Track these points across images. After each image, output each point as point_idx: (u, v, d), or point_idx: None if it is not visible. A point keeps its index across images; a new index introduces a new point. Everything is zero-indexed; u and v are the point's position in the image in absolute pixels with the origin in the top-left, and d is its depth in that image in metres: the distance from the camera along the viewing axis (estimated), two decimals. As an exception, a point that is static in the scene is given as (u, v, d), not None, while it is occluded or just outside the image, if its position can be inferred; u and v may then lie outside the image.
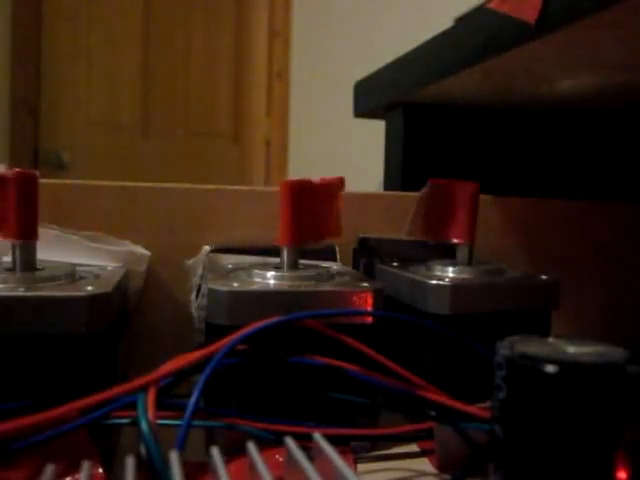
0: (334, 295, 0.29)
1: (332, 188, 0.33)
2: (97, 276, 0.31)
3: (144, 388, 0.23)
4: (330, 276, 0.32)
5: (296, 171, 1.62)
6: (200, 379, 0.24)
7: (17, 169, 0.28)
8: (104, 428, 0.25)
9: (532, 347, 0.20)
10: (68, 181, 0.38)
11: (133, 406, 0.23)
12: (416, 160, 0.54)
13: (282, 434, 0.24)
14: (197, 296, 0.35)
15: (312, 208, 0.32)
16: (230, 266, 0.35)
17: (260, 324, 0.26)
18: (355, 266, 0.42)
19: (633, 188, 0.56)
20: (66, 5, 1.57)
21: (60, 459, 0.22)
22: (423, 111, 0.54)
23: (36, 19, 1.55)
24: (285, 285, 0.30)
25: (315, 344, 0.28)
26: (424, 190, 0.38)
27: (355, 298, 0.29)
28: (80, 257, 0.34)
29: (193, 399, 0.23)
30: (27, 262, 0.29)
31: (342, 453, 0.20)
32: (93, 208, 0.38)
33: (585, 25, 0.30)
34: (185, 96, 1.68)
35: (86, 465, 0.19)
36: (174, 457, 0.19)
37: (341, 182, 0.34)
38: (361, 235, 0.42)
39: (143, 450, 0.20)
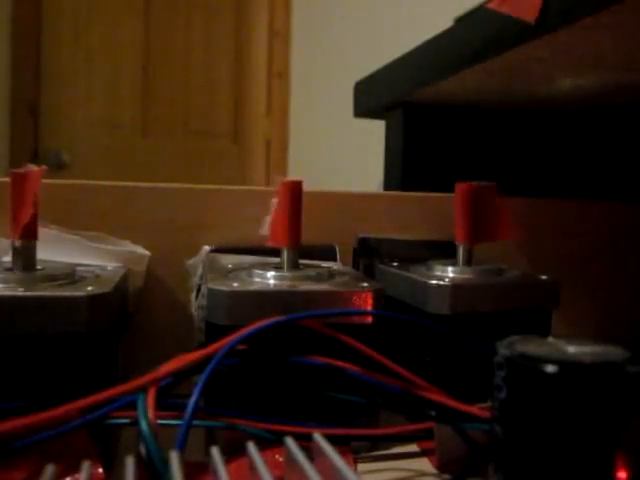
0: (334, 295, 0.29)
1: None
2: (97, 276, 0.31)
3: (144, 388, 0.23)
4: (330, 276, 0.32)
5: (296, 171, 1.62)
6: (200, 379, 0.24)
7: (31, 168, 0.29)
8: (104, 428, 0.25)
9: (532, 347, 0.20)
10: (68, 181, 0.38)
11: (133, 406, 0.23)
12: (416, 160, 0.54)
13: (282, 434, 0.24)
14: (197, 296, 0.35)
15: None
16: (230, 266, 0.35)
17: (260, 324, 0.26)
18: (355, 266, 0.42)
19: (633, 188, 0.56)
20: (66, 5, 1.57)
21: (60, 459, 0.22)
22: (423, 111, 0.54)
23: (36, 19, 1.55)
24: (285, 285, 0.30)
25: (315, 344, 0.28)
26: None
27: (355, 298, 0.29)
28: (80, 257, 0.34)
29: (193, 399, 0.23)
30: (27, 262, 0.29)
31: (342, 453, 0.20)
32: (93, 208, 0.38)
33: (585, 25, 0.30)
34: (185, 96, 1.68)
35: (86, 465, 0.19)
36: (174, 457, 0.19)
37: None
38: (361, 235, 0.42)
39: (143, 450, 0.20)
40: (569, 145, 0.57)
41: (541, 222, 0.48)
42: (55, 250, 0.33)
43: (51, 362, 0.26)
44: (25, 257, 0.29)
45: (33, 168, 0.29)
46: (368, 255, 0.42)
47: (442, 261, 0.37)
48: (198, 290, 0.35)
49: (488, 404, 0.23)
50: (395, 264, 0.40)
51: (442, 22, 0.48)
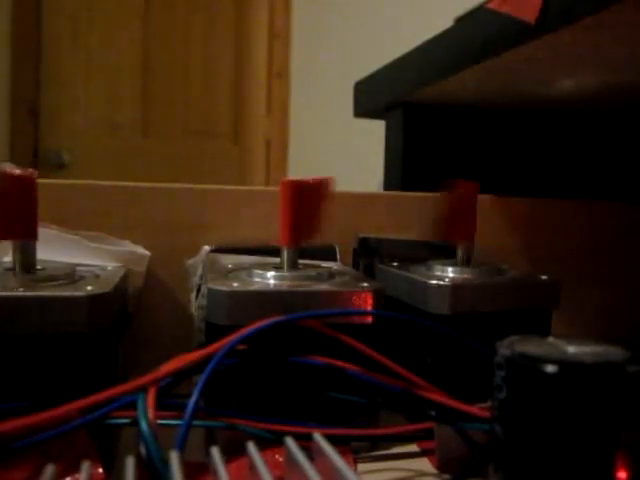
0: (334, 295, 0.29)
1: (322, 188, 0.33)
2: (97, 276, 0.31)
3: (144, 388, 0.23)
4: (330, 276, 0.32)
5: (296, 171, 1.62)
6: (200, 379, 0.24)
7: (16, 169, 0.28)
8: (104, 428, 0.25)
9: (532, 347, 0.20)
10: (68, 181, 0.38)
11: (133, 406, 0.23)
12: (416, 160, 0.54)
13: (282, 434, 0.24)
14: (197, 296, 0.35)
15: (310, 207, 0.32)
16: (230, 266, 0.35)
17: (260, 324, 0.26)
18: (355, 266, 0.42)
19: (633, 188, 0.56)
20: (66, 5, 1.57)
21: (60, 459, 0.22)
22: (423, 111, 0.54)
23: (36, 19, 1.55)
24: (285, 285, 0.30)
25: (315, 344, 0.28)
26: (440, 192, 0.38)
27: (355, 298, 0.29)
28: (80, 257, 0.34)
29: (193, 399, 0.23)
30: (27, 262, 0.29)
31: (342, 453, 0.20)
32: (93, 208, 0.38)
33: (585, 25, 0.30)
34: (185, 96, 1.68)
35: (86, 465, 0.19)
36: (174, 457, 0.19)
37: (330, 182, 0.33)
38: (361, 235, 0.42)
39: (143, 450, 0.20)
40: (569, 145, 0.57)
41: (541, 222, 0.48)
42: (55, 250, 0.33)
43: (51, 362, 0.26)
44: (25, 257, 0.29)
45: (22, 170, 0.28)
46: (368, 255, 0.42)
47: (442, 261, 0.37)
48: (198, 290, 0.35)
49: (488, 404, 0.23)
50: (395, 264, 0.40)
51: (442, 22, 0.48)
